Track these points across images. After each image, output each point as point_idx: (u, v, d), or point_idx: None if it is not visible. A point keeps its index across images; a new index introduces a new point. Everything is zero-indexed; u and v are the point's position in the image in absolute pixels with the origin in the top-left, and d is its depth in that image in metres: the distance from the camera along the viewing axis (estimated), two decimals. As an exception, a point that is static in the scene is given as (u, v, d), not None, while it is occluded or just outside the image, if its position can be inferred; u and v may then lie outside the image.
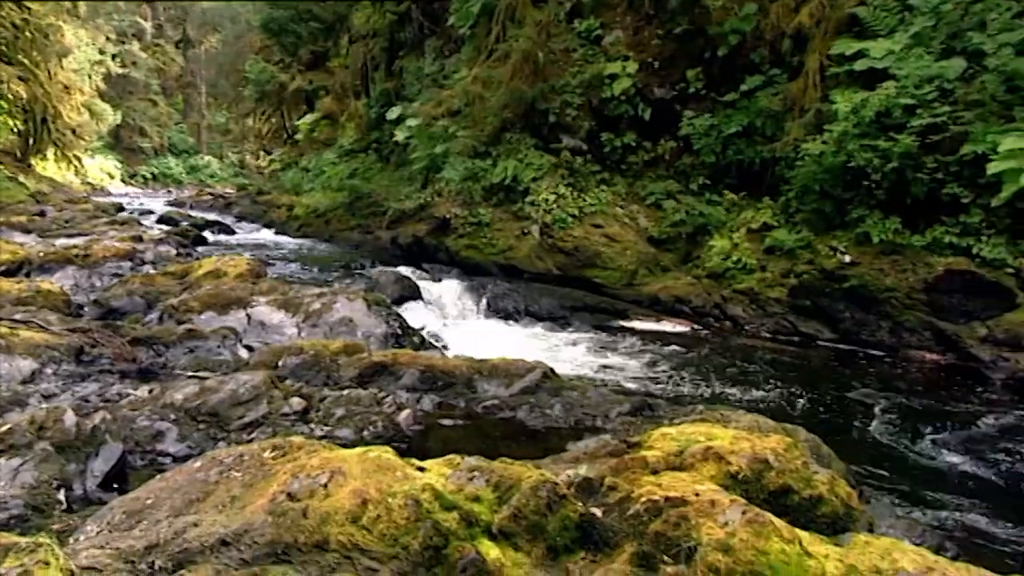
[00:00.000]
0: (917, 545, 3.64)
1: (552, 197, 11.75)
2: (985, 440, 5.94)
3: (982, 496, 4.98)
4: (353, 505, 2.35)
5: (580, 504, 2.90)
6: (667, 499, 3.04)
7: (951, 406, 6.73)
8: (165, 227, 16.83)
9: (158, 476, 2.79)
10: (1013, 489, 5.11)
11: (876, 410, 6.62)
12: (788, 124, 10.37)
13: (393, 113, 17.02)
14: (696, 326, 9.78)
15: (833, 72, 9.87)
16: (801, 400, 6.87)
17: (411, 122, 15.20)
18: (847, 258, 8.93)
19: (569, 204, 11.68)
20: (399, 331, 7.32)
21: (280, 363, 5.51)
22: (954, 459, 5.63)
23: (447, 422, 4.76)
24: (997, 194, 7.56)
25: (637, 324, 9.96)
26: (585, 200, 11.74)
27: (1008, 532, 4.48)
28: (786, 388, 7.23)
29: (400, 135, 15.56)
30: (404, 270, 10.89)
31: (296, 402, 4.48)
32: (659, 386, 7.16)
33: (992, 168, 7.49)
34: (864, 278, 8.70)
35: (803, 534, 3.13)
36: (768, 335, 9.37)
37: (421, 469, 2.69)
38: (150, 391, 4.49)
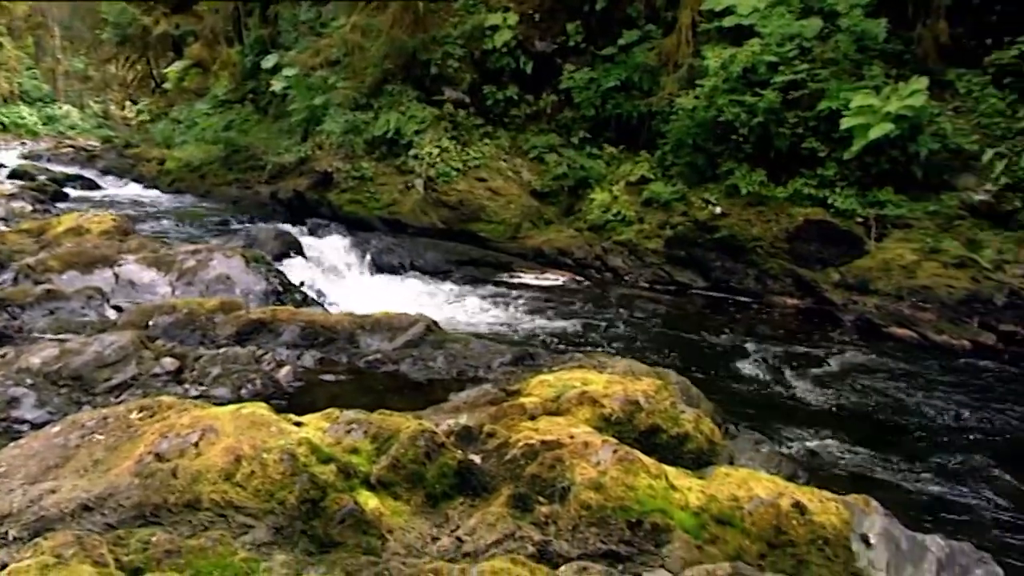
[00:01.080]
0: (773, 474, 3.96)
1: (436, 151, 11.65)
2: (836, 376, 6.46)
3: (832, 427, 5.43)
4: (226, 462, 2.32)
5: (459, 452, 2.98)
6: (543, 443, 3.16)
7: (808, 346, 7.25)
8: (19, 182, 15.54)
9: (11, 444, 2.65)
10: (859, 418, 5.60)
11: (742, 352, 7.05)
12: (663, 79, 10.66)
13: (269, 62, 16.28)
14: (578, 277, 10.04)
15: (704, 28, 10.18)
16: (675, 345, 7.21)
17: (288, 72, 14.59)
18: (718, 210, 9.36)
19: (453, 158, 11.63)
20: (280, 288, 7.14)
21: (151, 323, 5.27)
22: (810, 395, 6.09)
23: (329, 378, 4.73)
24: (849, 148, 8.10)
25: (521, 277, 10.12)
26: (469, 154, 11.71)
27: (853, 457, 4.92)
28: (662, 335, 7.58)
29: (277, 85, 14.93)
30: (285, 226, 10.58)
31: (168, 362, 4.32)
32: (541, 336, 7.34)
33: (844, 123, 8.00)
34: (733, 229, 9.15)
35: (670, 469, 3.33)
36: (646, 285, 9.74)
37: (298, 424, 2.68)
38: (3, 355, 4.21)
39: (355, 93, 12.76)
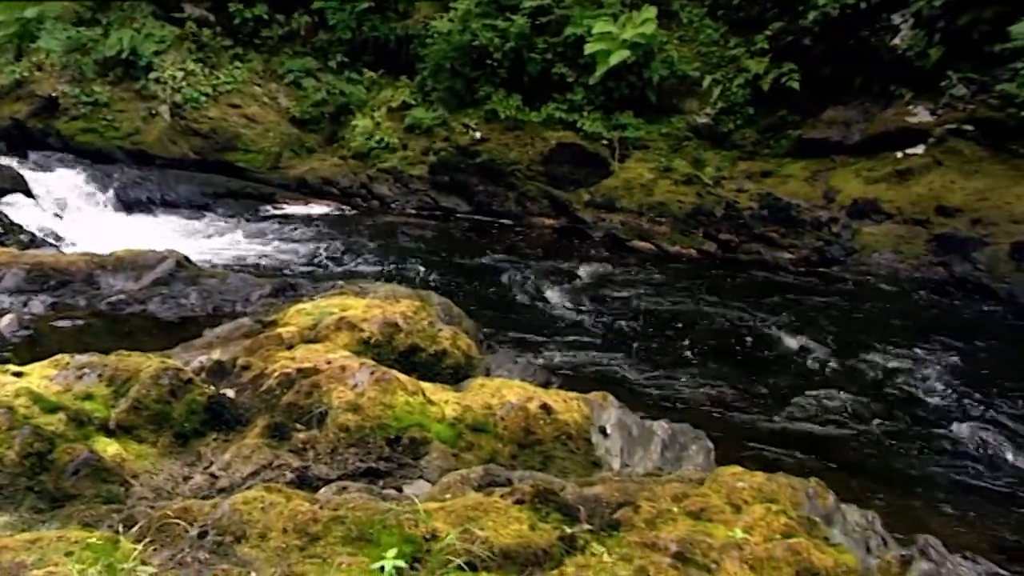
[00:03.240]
0: (529, 382, 4.29)
1: (180, 74, 10.71)
2: (587, 288, 7.03)
3: (582, 334, 5.95)
4: (-72, 425, 2.11)
5: (210, 387, 2.91)
6: (299, 370, 3.17)
7: (563, 263, 7.78)
8: None
9: None
10: (605, 324, 6.17)
11: (504, 272, 7.42)
12: (418, 1, 10.55)
13: (-37, -35, 13.85)
14: (344, 206, 9.89)
15: (458, -50, 10.14)
16: (441, 269, 7.42)
17: (-12, -23, 12.53)
18: (478, 134, 9.59)
19: (201, 82, 10.76)
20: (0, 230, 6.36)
21: None
22: (564, 306, 6.60)
23: (65, 324, 4.34)
24: (593, 74, 8.62)
25: (285, 208, 9.79)
26: (219, 78, 10.90)
27: (599, 359, 5.44)
28: (428, 259, 7.74)
29: (-24, -6, 12.79)
30: (2, 159, 9.30)
31: None
32: (306, 267, 7.22)
33: (587, 50, 8.49)
34: (493, 153, 9.45)
35: (428, 385, 3.49)
36: (413, 211, 9.81)
37: (18, 375, 2.47)
38: None
39: (76, 6, 11.29)
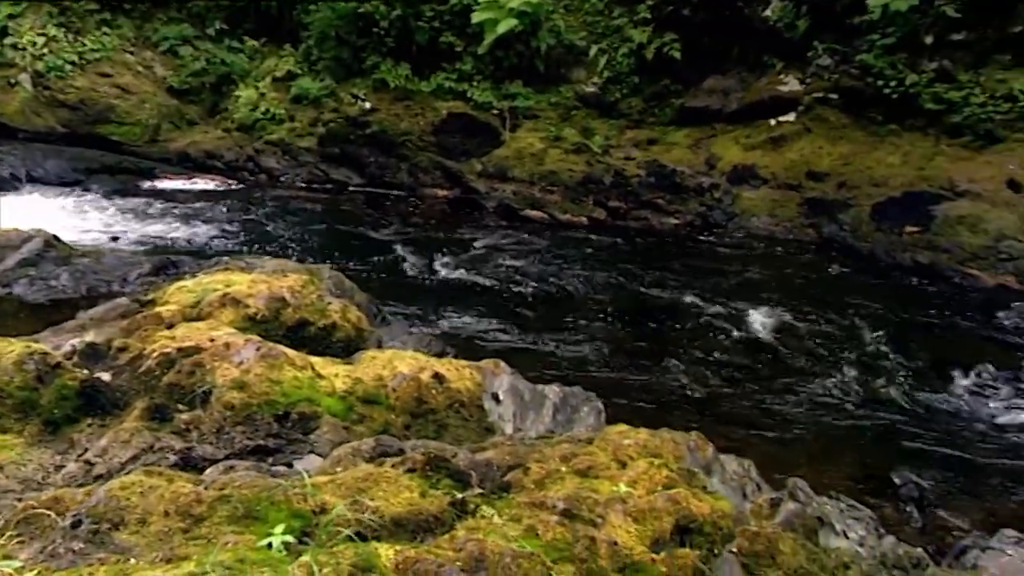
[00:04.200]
0: (423, 352, 4.30)
1: (41, 40, 9.98)
2: (481, 258, 7.07)
3: (477, 303, 6.00)
4: None
5: (83, 371, 2.79)
6: (180, 350, 3.07)
7: (458, 233, 7.79)
8: None
9: None
10: (499, 293, 6.24)
11: (399, 244, 7.37)
12: (300, -34, 10.19)
13: None
14: (230, 181, 9.52)
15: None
16: (334, 243, 7.29)
17: None
18: (368, 105, 9.41)
19: (65, 49, 10.06)
20: None
21: None
22: (459, 277, 6.62)
23: (-86, 314, 4.05)
24: (481, 43, 8.60)
25: (167, 183, 9.34)
26: (85, 44, 10.22)
27: (494, 327, 5.51)
28: (320, 233, 7.59)
29: None
30: None
31: None
32: (190, 244, 6.94)
33: (475, 18, 8.46)
34: (383, 124, 9.31)
35: (318, 360, 3.45)
36: (303, 185, 9.57)
37: None
38: None
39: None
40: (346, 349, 3.89)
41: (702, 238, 7.80)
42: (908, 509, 3.64)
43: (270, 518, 2.08)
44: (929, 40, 7.34)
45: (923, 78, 7.37)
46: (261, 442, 2.90)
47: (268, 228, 7.61)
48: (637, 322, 5.84)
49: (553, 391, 3.86)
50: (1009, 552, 2.94)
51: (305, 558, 1.84)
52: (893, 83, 7.38)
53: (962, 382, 4.92)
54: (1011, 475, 3.93)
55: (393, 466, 2.55)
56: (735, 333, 5.59)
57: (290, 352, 3.24)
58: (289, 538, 1.97)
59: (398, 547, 2.03)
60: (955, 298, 6.42)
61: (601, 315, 5.84)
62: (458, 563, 1.99)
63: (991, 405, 4.68)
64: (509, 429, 3.62)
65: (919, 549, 3.01)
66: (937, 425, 4.47)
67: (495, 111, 8.98)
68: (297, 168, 9.71)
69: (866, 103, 7.61)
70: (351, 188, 9.50)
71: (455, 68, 9.08)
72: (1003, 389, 4.81)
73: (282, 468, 2.79)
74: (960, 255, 6.78)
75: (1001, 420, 4.54)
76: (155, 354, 3.03)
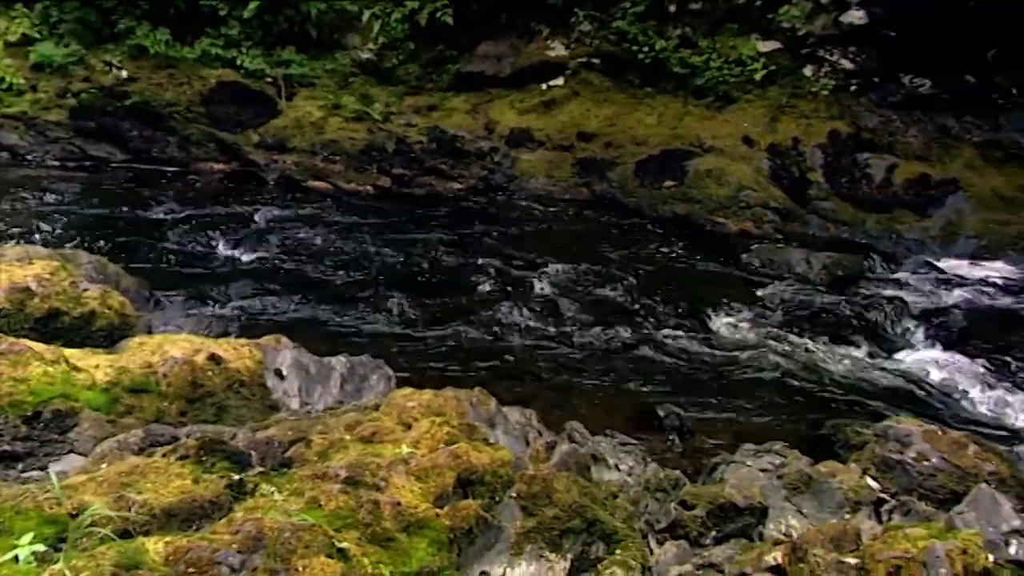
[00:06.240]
0: (202, 334, 4.11)
1: None
2: (263, 233, 6.81)
3: (262, 280, 5.78)
4: None
5: None
6: (-101, 357, 2.74)
7: (238, 209, 7.42)
8: None
9: None
10: (284, 267, 6.06)
11: (172, 223, 6.90)
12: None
13: None
14: (-38, 161, 8.40)
15: None
16: (95, 225, 6.68)
17: None
18: (124, 73, 8.64)
19: None
20: None
21: None
22: (240, 254, 6.34)
23: None
24: (247, 6, 8.17)
25: None
26: None
27: (277, 303, 5.35)
28: (78, 216, 6.92)
29: None
30: None
31: None
32: (-87, 237, 6.06)
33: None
34: (145, 94, 8.60)
35: (74, 352, 3.20)
36: (56, 163, 8.63)
37: None
38: None
39: None
40: (109, 338, 3.66)
41: (485, 200, 8.03)
42: (671, 438, 4.05)
43: (16, 528, 1.94)
44: (672, 8, 8.04)
45: (670, 44, 8.10)
46: (7, 448, 2.68)
47: (14, 212, 6.83)
48: (427, 287, 5.92)
49: (340, 362, 3.87)
50: (748, 463, 3.38)
51: (57, 566, 1.75)
52: (646, 48, 8.04)
53: (715, 317, 5.52)
54: (752, 396, 4.50)
55: (164, 455, 2.47)
56: (520, 290, 5.84)
57: (37, 346, 3.00)
58: (40, 547, 1.85)
59: (168, 539, 1.98)
60: (707, 244, 7.16)
61: (390, 283, 5.86)
62: (234, 545, 1.97)
63: (737, 336, 5.31)
64: (295, 404, 3.59)
65: (677, 471, 3.38)
66: (695, 358, 4.99)
67: (269, 79, 8.59)
68: (46, 144, 8.74)
69: (624, 67, 8.19)
70: (113, 165, 8.70)
71: (221, 33, 8.55)
72: (746, 321, 5.46)
73: (35, 473, 2.60)
74: (709, 205, 7.58)
75: (731, 347, 5.16)
76: None
